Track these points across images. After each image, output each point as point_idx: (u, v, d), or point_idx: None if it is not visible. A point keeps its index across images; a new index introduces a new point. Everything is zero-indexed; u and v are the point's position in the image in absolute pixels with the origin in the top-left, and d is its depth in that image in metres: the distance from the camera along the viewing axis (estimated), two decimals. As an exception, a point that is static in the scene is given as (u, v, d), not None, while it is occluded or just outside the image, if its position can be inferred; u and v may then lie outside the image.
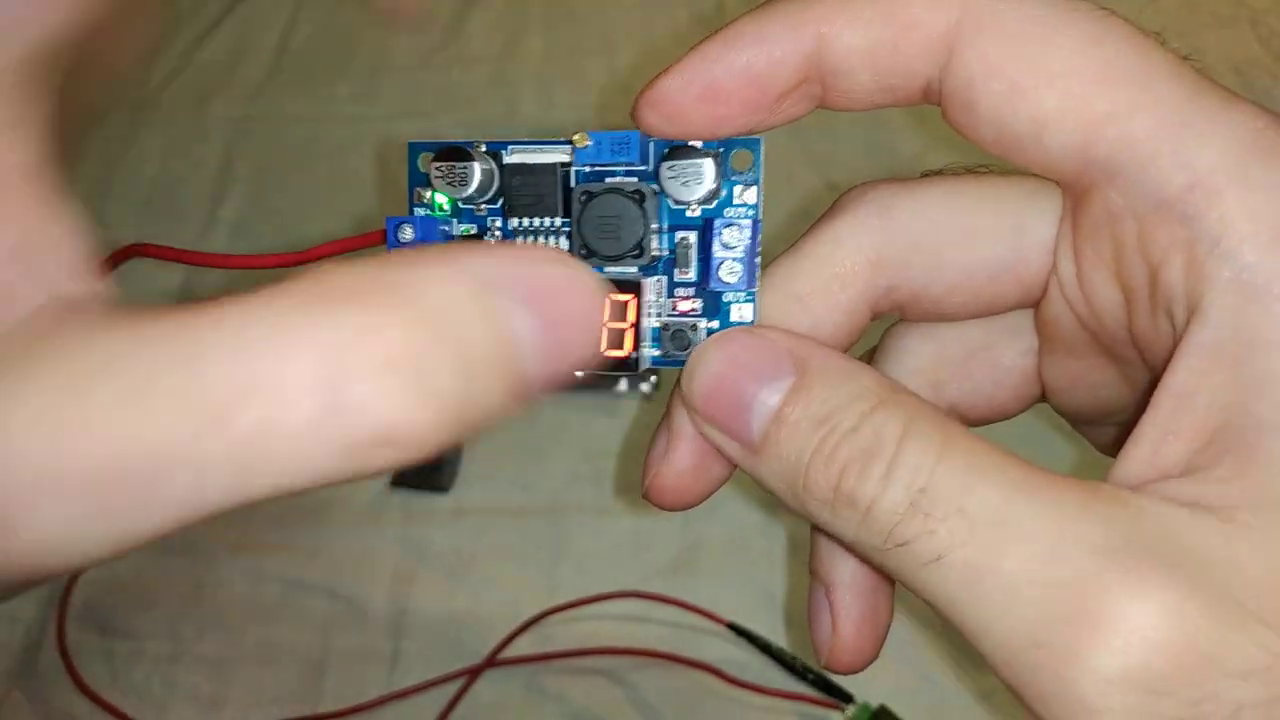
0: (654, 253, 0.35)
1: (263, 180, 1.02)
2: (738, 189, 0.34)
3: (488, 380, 0.22)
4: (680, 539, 0.81)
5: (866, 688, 0.73)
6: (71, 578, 0.80)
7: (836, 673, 0.38)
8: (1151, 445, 0.29)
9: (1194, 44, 1.00)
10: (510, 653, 0.77)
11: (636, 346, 0.35)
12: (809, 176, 0.94)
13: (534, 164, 0.35)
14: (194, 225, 0.99)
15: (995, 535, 0.27)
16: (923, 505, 0.28)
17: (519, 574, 0.81)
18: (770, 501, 0.81)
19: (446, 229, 0.36)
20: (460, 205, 0.36)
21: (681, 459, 0.35)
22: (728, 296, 0.35)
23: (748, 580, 0.80)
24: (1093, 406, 0.37)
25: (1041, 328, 0.36)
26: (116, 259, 0.36)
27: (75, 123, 0.22)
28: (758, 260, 0.34)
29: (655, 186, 0.35)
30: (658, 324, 0.35)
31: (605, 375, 0.36)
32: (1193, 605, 0.26)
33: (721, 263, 0.34)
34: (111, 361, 0.21)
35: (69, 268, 0.24)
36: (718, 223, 0.34)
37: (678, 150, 0.34)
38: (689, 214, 0.35)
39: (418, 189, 0.36)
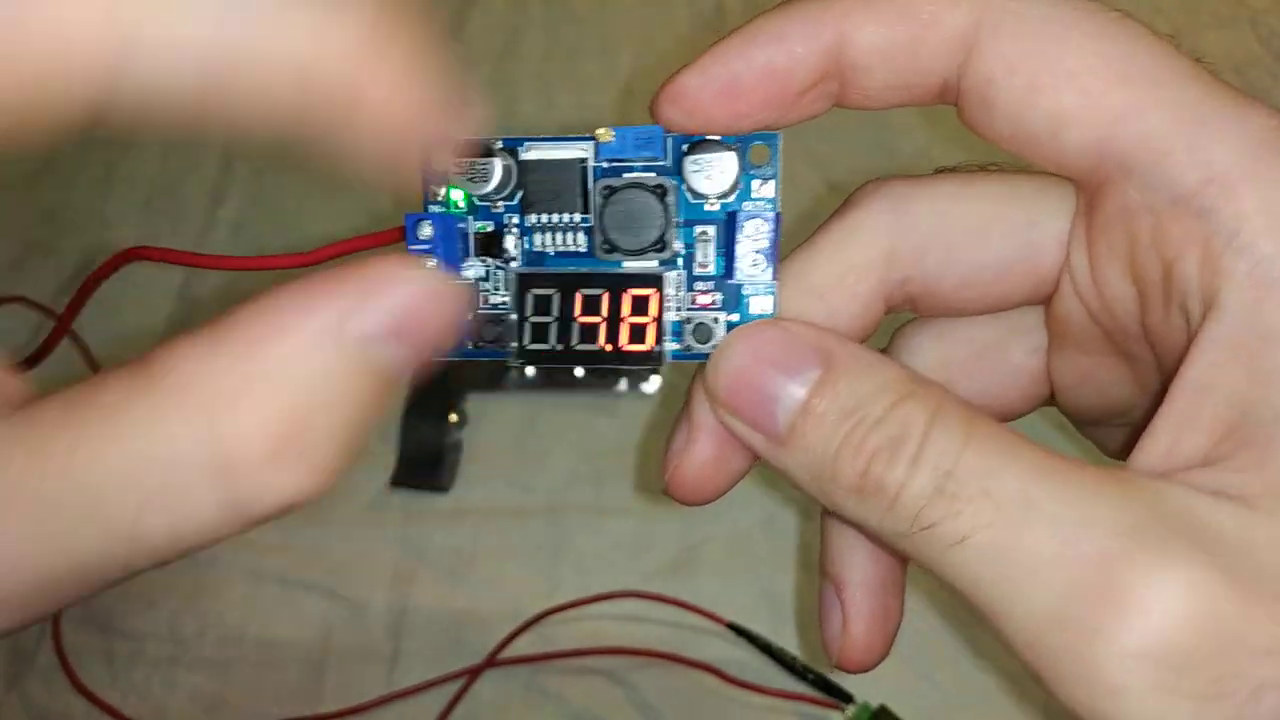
0: (675, 247, 0.35)
1: (263, 180, 1.02)
2: (755, 183, 0.35)
3: (366, 417, 0.26)
4: (680, 539, 0.81)
5: (866, 688, 0.73)
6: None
7: (847, 671, 0.38)
8: (1169, 438, 0.29)
9: (1194, 44, 0.98)
10: (510, 653, 0.77)
11: (659, 340, 0.35)
12: (810, 176, 0.94)
13: (554, 160, 0.35)
14: (194, 225, 0.99)
15: (1019, 516, 0.28)
16: (948, 488, 0.28)
17: (519, 574, 0.81)
18: (770, 501, 0.81)
19: (463, 226, 0.36)
20: (477, 202, 0.36)
21: (703, 451, 0.36)
22: (747, 290, 0.35)
23: (748, 580, 0.80)
24: (1100, 406, 0.37)
25: (1052, 324, 0.36)
26: (115, 263, 0.36)
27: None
28: (778, 253, 0.35)
29: (675, 181, 0.35)
30: (678, 318, 0.35)
31: (624, 371, 0.36)
32: (1215, 583, 0.26)
33: (744, 256, 0.34)
34: (16, 489, 0.23)
35: None
36: (741, 215, 0.34)
37: (700, 144, 0.34)
38: (707, 208, 0.35)
39: (432, 186, 0.36)
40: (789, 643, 0.76)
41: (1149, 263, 0.31)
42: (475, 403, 0.88)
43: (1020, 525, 0.28)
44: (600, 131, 0.35)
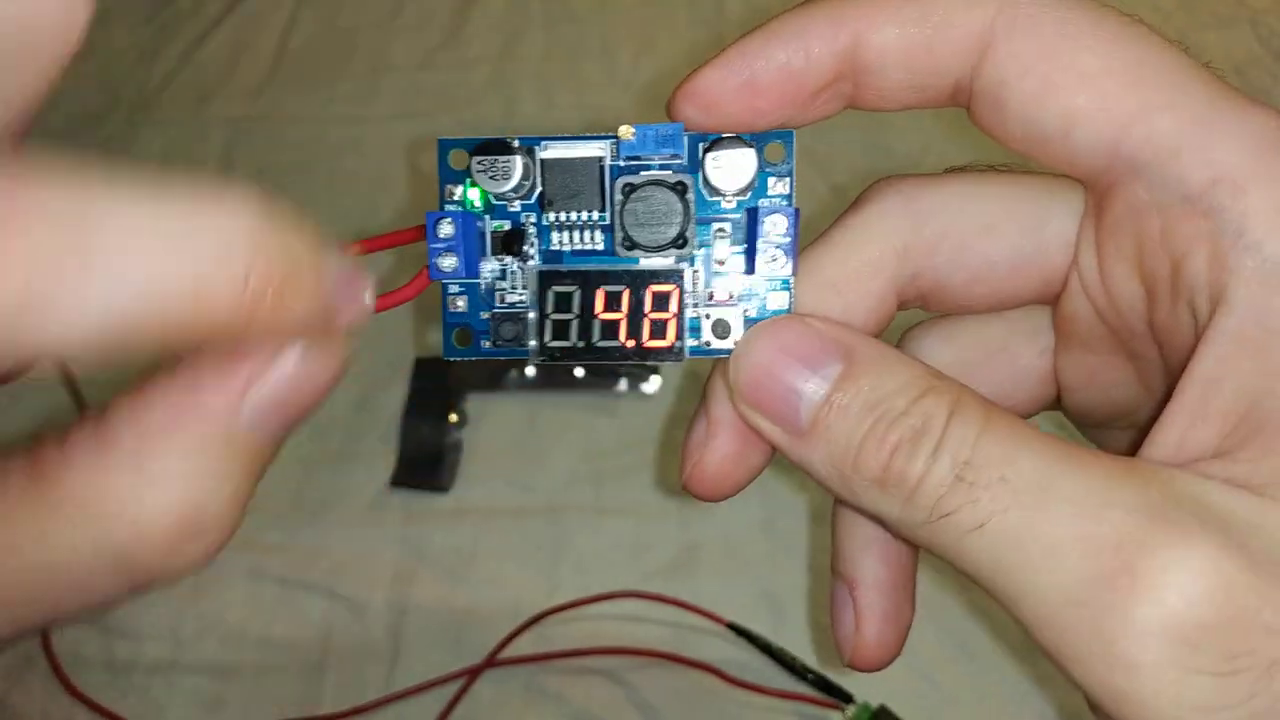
0: (695, 243, 0.36)
1: (263, 180, 1.02)
2: (772, 180, 0.35)
3: (253, 485, 0.28)
4: (680, 539, 0.81)
5: (866, 688, 0.73)
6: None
7: (861, 670, 0.39)
8: (1180, 430, 0.30)
9: (1194, 44, 0.99)
10: (510, 653, 0.77)
11: (680, 336, 0.36)
12: (810, 176, 0.94)
13: (573, 158, 0.36)
14: (194, 225, 0.99)
15: (1036, 500, 0.28)
16: (967, 476, 0.29)
17: (519, 574, 0.81)
18: (770, 501, 0.81)
19: (480, 225, 0.36)
20: (493, 200, 0.36)
21: (723, 446, 0.36)
22: (765, 285, 0.36)
23: (748, 580, 0.80)
24: (1106, 407, 0.38)
25: (1060, 323, 0.37)
26: None
27: None
28: (797, 249, 0.35)
29: (694, 178, 0.35)
30: (695, 314, 0.36)
31: (643, 367, 0.37)
32: (1229, 563, 0.27)
33: (763, 251, 0.35)
34: None
35: None
36: (761, 211, 0.35)
37: (721, 141, 0.35)
38: (724, 205, 0.36)
39: (449, 186, 0.36)
40: (789, 643, 0.76)
41: (1157, 261, 0.31)
42: (475, 403, 0.88)
43: (1037, 509, 0.28)
44: (622, 129, 0.35)
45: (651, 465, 0.85)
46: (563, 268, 0.36)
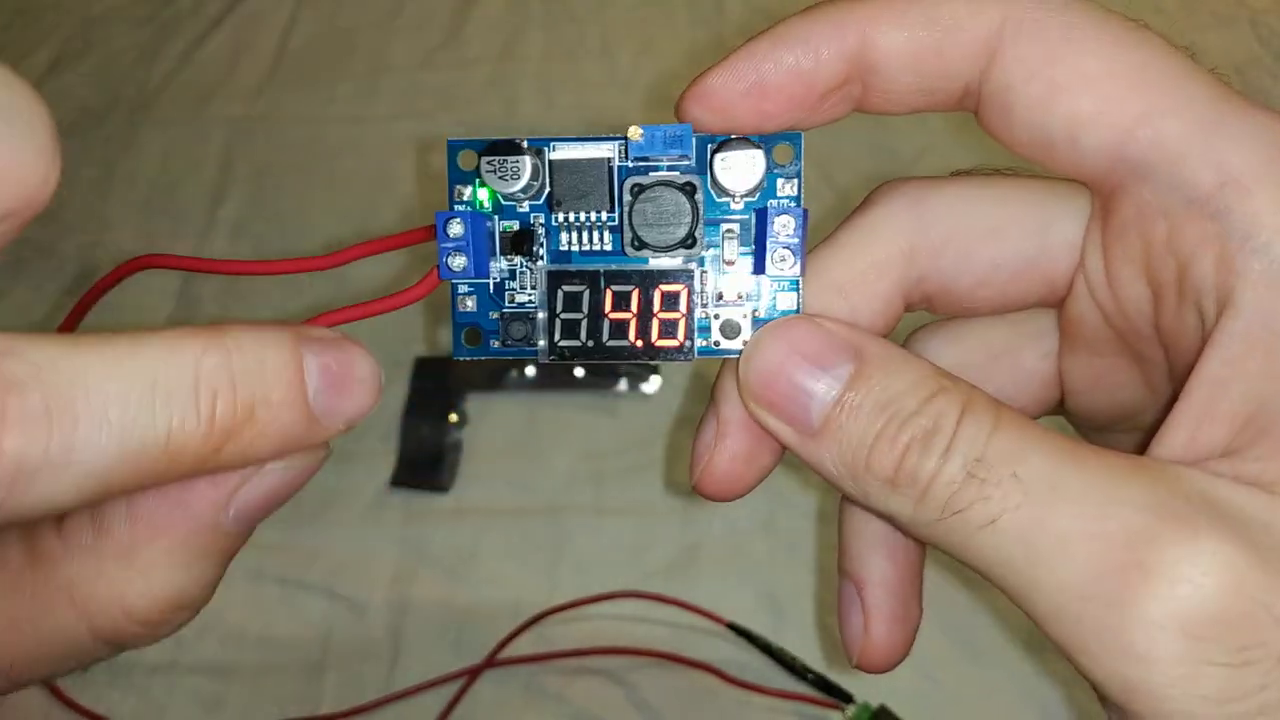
0: (704, 243, 0.36)
1: (263, 180, 1.02)
2: (779, 181, 0.36)
3: (228, 565, 0.32)
4: (680, 539, 0.82)
5: (866, 687, 0.73)
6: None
7: (868, 671, 0.39)
8: (1188, 430, 0.30)
9: (1194, 44, 0.99)
10: (510, 653, 0.77)
11: (689, 335, 0.36)
12: (814, 178, 0.94)
13: (582, 159, 0.36)
14: (194, 225, 0.99)
15: (1047, 496, 0.29)
16: (978, 473, 0.29)
17: (519, 574, 0.81)
18: (770, 502, 0.81)
19: (490, 225, 0.36)
20: (502, 201, 0.36)
21: (733, 446, 0.37)
22: (773, 286, 0.36)
23: (748, 580, 0.80)
24: (1110, 410, 0.38)
25: (1065, 326, 0.37)
26: (124, 271, 0.36)
27: None
28: (805, 250, 0.35)
29: (702, 178, 0.36)
30: (703, 315, 0.36)
31: (645, 366, 0.37)
32: (1240, 557, 0.27)
33: (773, 251, 0.35)
34: None
35: None
36: (771, 211, 0.35)
37: (729, 143, 0.35)
38: (733, 206, 0.36)
39: (458, 186, 0.36)
40: (790, 643, 0.76)
41: (1164, 263, 0.31)
42: (475, 403, 0.88)
43: (1048, 505, 0.29)
44: (631, 130, 0.35)
45: (652, 465, 0.85)
46: (572, 268, 0.36)
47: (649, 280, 0.36)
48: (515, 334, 0.36)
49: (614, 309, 0.36)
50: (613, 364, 0.38)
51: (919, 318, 0.40)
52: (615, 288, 0.36)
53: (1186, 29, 1.02)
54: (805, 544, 0.81)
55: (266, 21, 1.13)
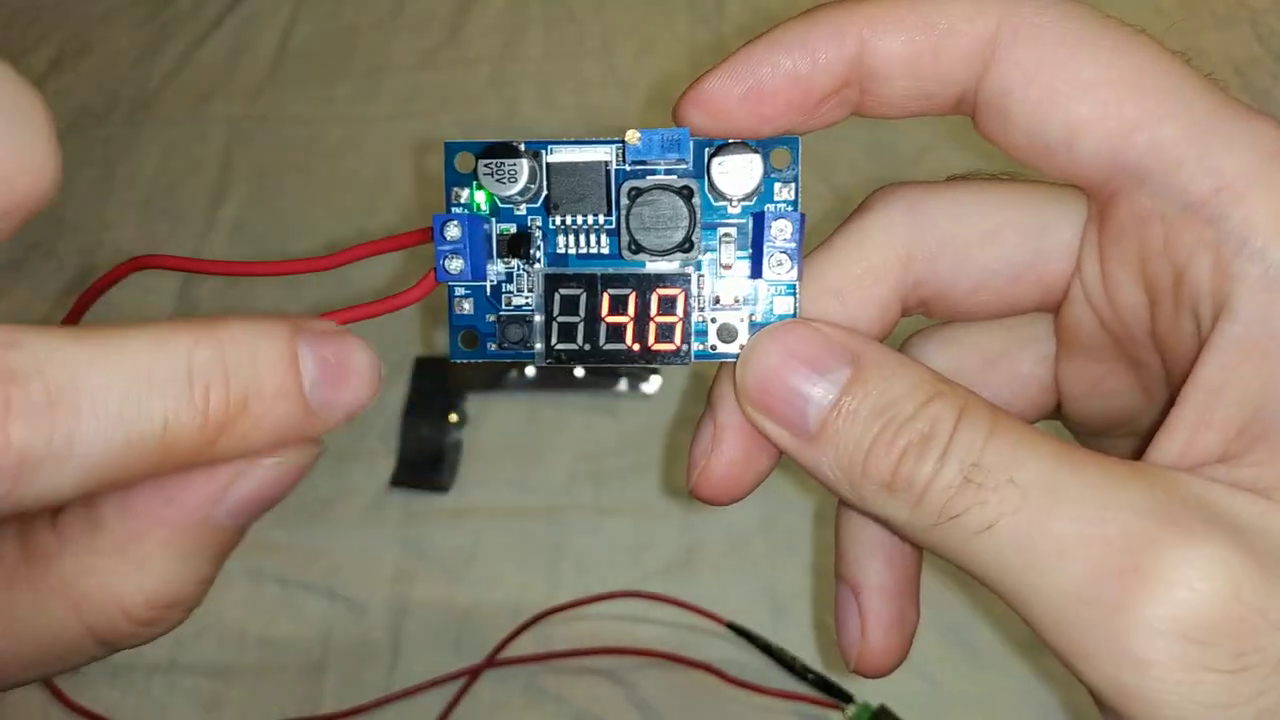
0: (701, 247, 0.36)
1: (263, 180, 1.02)
2: (777, 186, 0.36)
3: (222, 563, 0.32)
4: (680, 539, 0.82)
5: (866, 688, 0.73)
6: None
7: (865, 676, 0.39)
8: (1185, 436, 0.30)
9: (1194, 44, 1.00)
10: (510, 653, 0.77)
11: (686, 339, 0.36)
12: (813, 178, 0.94)
13: (579, 162, 0.36)
14: (194, 225, 0.99)
15: (1044, 501, 0.29)
16: (975, 478, 0.29)
17: (519, 574, 0.81)
18: (770, 502, 0.81)
19: (487, 228, 0.36)
20: (499, 203, 0.36)
21: (729, 450, 0.37)
22: (770, 290, 0.36)
23: (748, 580, 0.80)
24: (1107, 416, 0.38)
25: (1062, 331, 0.37)
26: (121, 272, 0.36)
27: None
28: (802, 254, 0.36)
29: (699, 182, 0.36)
30: (700, 319, 0.36)
31: (646, 369, 0.37)
32: (1237, 562, 0.27)
33: (770, 256, 0.35)
34: None
35: None
36: (768, 216, 0.35)
37: (727, 146, 0.35)
38: (730, 210, 0.36)
39: (455, 188, 0.36)
40: (790, 642, 0.76)
41: (1160, 269, 0.31)
42: (475, 403, 0.88)
43: (1045, 510, 0.29)
44: (629, 134, 0.35)
45: (652, 465, 0.85)
46: (568, 271, 0.36)
47: (646, 284, 0.36)
48: (512, 337, 0.36)
49: (611, 312, 0.36)
50: (612, 366, 0.38)
51: (916, 322, 0.40)
52: (612, 291, 0.36)
53: (1186, 29, 1.02)
54: (805, 544, 0.81)
55: (266, 21, 1.13)
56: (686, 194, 0.35)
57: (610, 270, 0.36)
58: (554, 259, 0.36)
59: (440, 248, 0.35)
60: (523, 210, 0.36)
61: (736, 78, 0.34)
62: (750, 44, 0.34)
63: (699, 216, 0.35)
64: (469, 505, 0.84)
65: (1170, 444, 0.31)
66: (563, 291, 0.36)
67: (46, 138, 0.24)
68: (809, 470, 0.33)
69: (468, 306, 0.37)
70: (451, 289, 0.37)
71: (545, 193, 0.36)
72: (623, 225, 0.36)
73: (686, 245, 0.35)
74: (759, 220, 0.35)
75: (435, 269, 0.35)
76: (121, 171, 1.03)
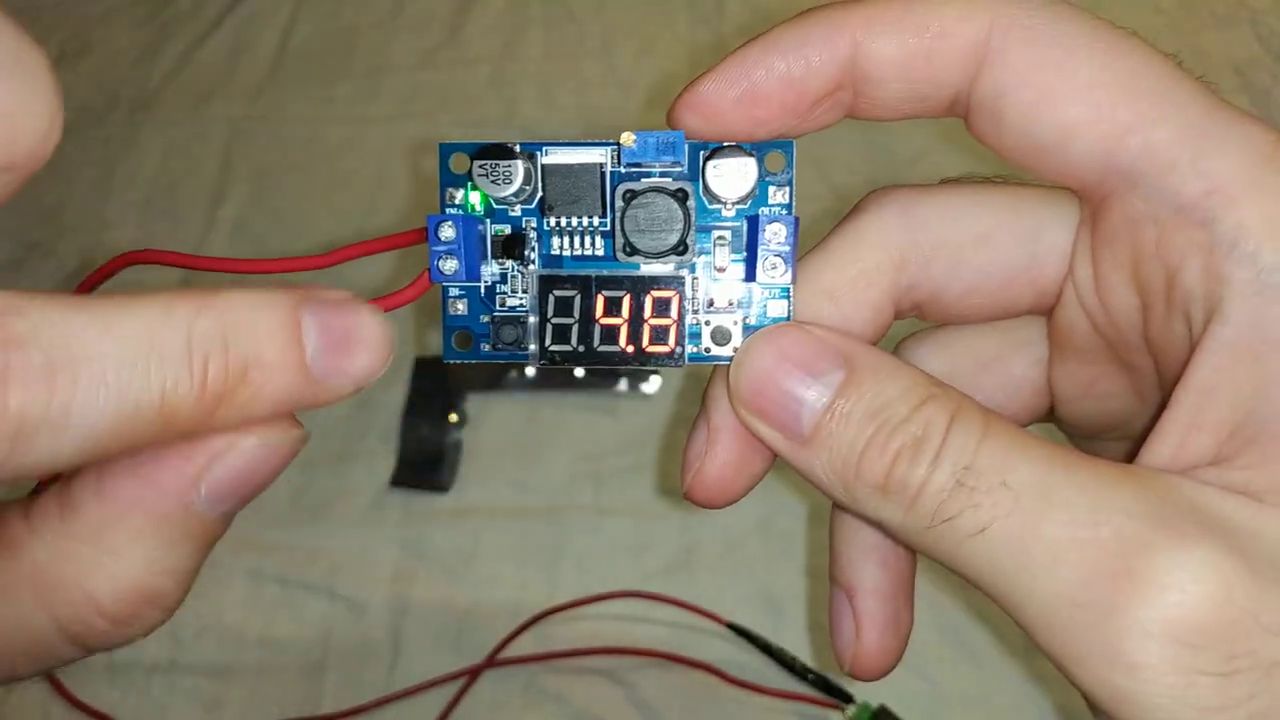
0: (695, 250, 0.36)
1: (263, 180, 1.02)
2: (771, 189, 0.36)
3: (204, 557, 0.30)
4: (680, 539, 0.82)
5: (866, 688, 0.73)
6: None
7: (860, 679, 0.39)
8: (1177, 439, 0.30)
9: (1194, 44, 1.00)
10: (510, 653, 0.77)
11: (680, 342, 0.36)
12: (812, 178, 0.94)
13: (574, 164, 0.36)
14: (194, 225, 0.99)
15: (1037, 505, 0.29)
16: (968, 481, 0.29)
17: (519, 574, 0.81)
18: (769, 502, 0.81)
19: (481, 229, 0.36)
20: (494, 205, 0.36)
21: (723, 453, 0.36)
22: (764, 293, 0.36)
23: (748, 580, 0.80)
24: (1100, 418, 0.38)
25: (1055, 334, 0.37)
26: (113, 267, 0.36)
27: None
28: (796, 257, 0.35)
29: (694, 185, 0.36)
30: (694, 321, 0.36)
31: (641, 370, 0.37)
32: (1229, 566, 0.27)
33: (763, 259, 0.35)
34: None
35: None
36: (762, 219, 0.35)
37: (721, 150, 0.35)
38: (724, 213, 0.36)
39: (450, 189, 0.36)
40: (789, 642, 0.76)
41: (1152, 271, 0.31)
42: (475, 403, 0.88)
43: (1038, 513, 0.29)
44: (624, 136, 0.35)
45: (652, 465, 0.85)
46: (563, 272, 0.36)
47: (640, 286, 0.36)
48: (506, 338, 0.36)
49: (605, 314, 0.36)
50: (606, 368, 0.38)
51: (909, 325, 0.40)
52: (606, 293, 0.36)
53: (1186, 29, 1.02)
54: (804, 545, 0.81)
55: (266, 21, 1.13)
56: (681, 197, 0.35)
57: (605, 272, 0.36)
58: (548, 260, 0.36)
59: (435, 248, 0.35)
60: (517, 211, 0.36)
61: (731, 81, 0.34)
62: (744, 47, 0.34)
63: (693, 219, 0.35)
64: (469, 505, 0.84)
65: (1162, 447, 0.30)
66: (557, 293, 0.36)
67: (49, 92, 0.24)
68: (803, 473, 0.33)
69: (462, 307, 0.37)
70: (446, 290, 0.37)
71: (540, 194, 0.36)
72: (617, 227, 0.36)
73: (681, 248, 0.35)
74: (753, 223, 0.35)
75: (430, 269, 0.35)
76: (121, 171, 1.03)
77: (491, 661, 0.76)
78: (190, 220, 0.99)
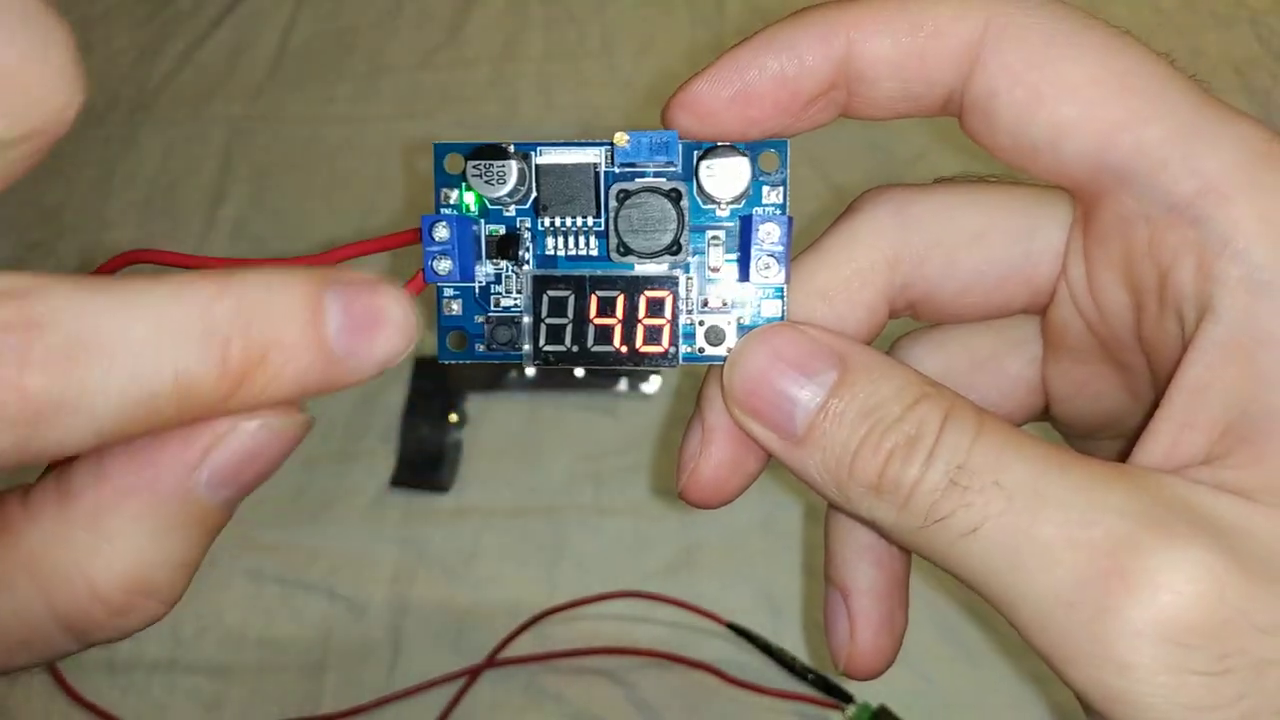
0: (689, 250, 0.36)
1: (262, 180, 1.02)
2: (765, 189, 0.36)
3: (205, 548, 0.29)
4: (680, 539, 0.82)
5: (866, 688, 0.73)
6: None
7: (854, 679, 0.39)
8: (1169, 438, 0.30)
9: (1194, 44, 1.00)
10: (510, 653, 0.77)
11: (674, 342, 0.36)
12: (810, 176, 0.94)
13: (568, 164, 0.36)
14: (194, 225, 0.99)
15: (1029, 504, 0.29)
16: (961, 481, 0.29)
17: (519, 574, 0.81)
18: (769, 501, 0.81)
19: (476, 229, 0.36)
20: (489, 205, 0.36)
21: (718, 453, 0.37)
22: (757, 293, 0.36)
23: (748, 580, 0.80)
24: (1094, 417, 0.38)
25: (1049, 333, 0.37)
26: (113, 266, 0.36)
27: None
28: (789, 257, 0.35)
29: (688, 185, 0.36)
30: (688, 321, 0.36)
31: (636, 370, 0.37)
32: (1221, 566, 0.27)
33: (758, 258, 0.35)
34: None
35: None
36: (755, 219, 0.35)
37: (715, 150, 0.35)
38: (718, 213, 0.36)
39: (444, 189, 0.36)
40: (789, 642, 0.76)
41: (1144, 270, 0.31)
42: (475, 403, 0.88)
43: (1031, 513, 0.29)
44: (617, 136, 0.35)
45: (652, 465, 0.85)
46: (557, 273, 0.36)
47: (634, 286, 0.36)
48: (500, 338, 0.36)
49: (599, 314, 0.36)
50: (601, 368, 0.38)
51: (904, 325, 0.40)
52: (600, 293, 0.36)
53: (1186, 29, 1.02)
54: (808, 545, 0.81)
55: (266, 21, 1.13)
56: (675, 197, 0.35)
57: (599, 272, 0.36)
58: (542, 260, 0.36)
59: (429, 249, 0.35)
60: (512, 212, 0.36)
61: (724, 80, 0.34)
62: (737, 46, 0.34)
63: (687, 219, 0.36)
64: (469, 505, 0.84)
65: (1155, 446, 0.31)
66: (551, 293, 0.36)
67: (71, 58, 0.24)
68: (796, 473, 0.33)
69: (456, 307, 0.37)
70: (440, 290, 0.37)
71: (534, 194, 0.36)
72: (611, 227, 0.36)
73: (675, 248, 0.35)
74: (746, 223, 0.35)
75: (424, 270, 0.35)
76: (121, 171, 1.03)
77: (491, 661, 0.76)
78: (190, 220, 0.99)
